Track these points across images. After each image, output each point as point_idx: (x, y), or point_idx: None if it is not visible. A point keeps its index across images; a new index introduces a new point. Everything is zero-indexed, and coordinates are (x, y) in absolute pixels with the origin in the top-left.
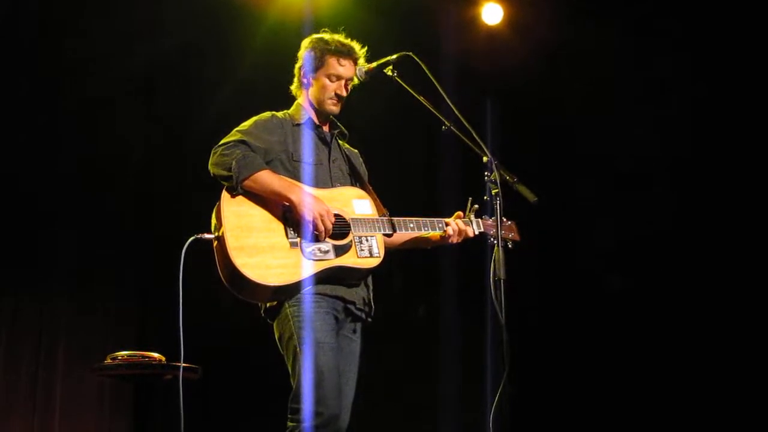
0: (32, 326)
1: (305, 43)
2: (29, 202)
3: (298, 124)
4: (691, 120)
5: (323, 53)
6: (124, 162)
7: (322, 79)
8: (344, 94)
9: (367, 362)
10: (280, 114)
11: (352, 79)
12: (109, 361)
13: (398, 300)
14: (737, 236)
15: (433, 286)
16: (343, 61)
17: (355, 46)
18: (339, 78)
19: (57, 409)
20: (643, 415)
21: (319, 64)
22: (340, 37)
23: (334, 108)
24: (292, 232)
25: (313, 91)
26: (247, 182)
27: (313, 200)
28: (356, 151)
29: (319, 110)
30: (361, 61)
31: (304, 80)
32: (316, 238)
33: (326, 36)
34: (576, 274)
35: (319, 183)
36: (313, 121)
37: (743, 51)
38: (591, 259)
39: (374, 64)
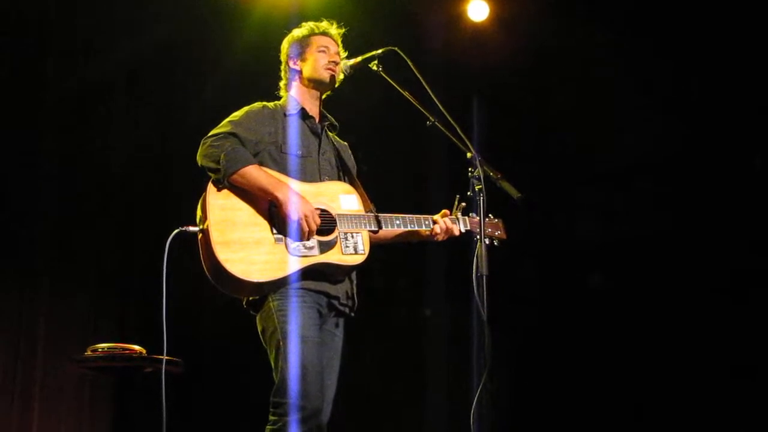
0: (11, 317)
1: (285, 41)
2: (8, 194)
3: (290, 114)
4: (678, 119)
5: (306, 36)
6: (106, 155)
7: (313, 54)
8: (337, 60)
9: (352, 360)
10: (271, 104)
11: (338, 55)
12: (90, 353)
13: (382, 298)
14: (724, 236)
15: (418, 283)
16: (326, 38)
17: (330, 24)
18: (327, 49)
19: (36, 401)
20: (633, 415)
21: (305, 45)
22: (313, 22)
23: (330, 74)
24: (277, 228)
25: (306, 69)
26: (234, 177)
27: (300, 200)
28: (345, 143)
29: (316, 83)
30: (342, 51)
31: (295, 67)
32: (301, 238)
33: (301, 25)
34: (559, 272)
35: (307, 176)
36: (304, 111)
37: (731, 49)
38: (574, 257)
39: (359, 59)
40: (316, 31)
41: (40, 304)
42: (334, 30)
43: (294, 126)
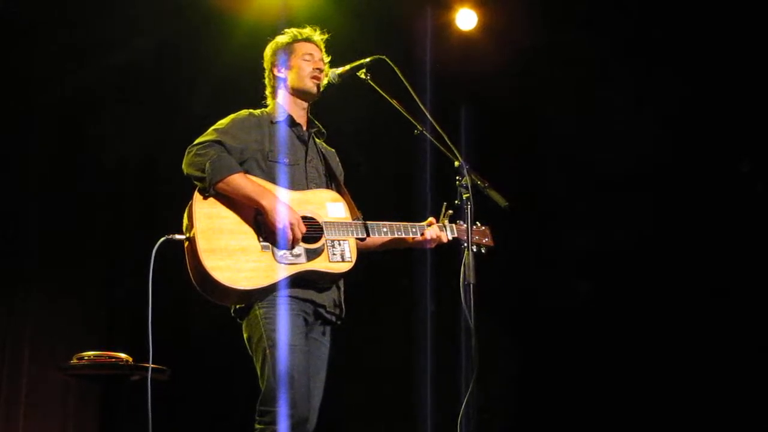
0: None
1: (268, 48)
2: None
3: (277, 122)
4: (666, 126)
5: (289, 43)
6: (96, 162)
7: (297, 62)
8: (322, 67)
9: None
10: (257, 112)
11: (323, 61)
12: (76, 361)
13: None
14: (714, 243)
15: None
16: (309, 45)
17: (313, 30)
18: (312, 56)
19: (21, 409)
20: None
21: (289, 53)
22: (296, 29)
23: (315, 83)
24: (263, 236)
25: (292, 77)
26: (220, 185)
27: (285, 208)
28: (333, 150)
29: (302, 93)
30: (325, 57)
31: (280, 75)
32: (286, 246)
33: (284, 32)
34: (549, 280)
35: (294, 184)
36: (291, 118)
37: (722, 56)
38: (564, 264)
39: (347, 67)
40: (299, 38)
41: (26, 312)
42: (318, 36)
43: (280, 134)
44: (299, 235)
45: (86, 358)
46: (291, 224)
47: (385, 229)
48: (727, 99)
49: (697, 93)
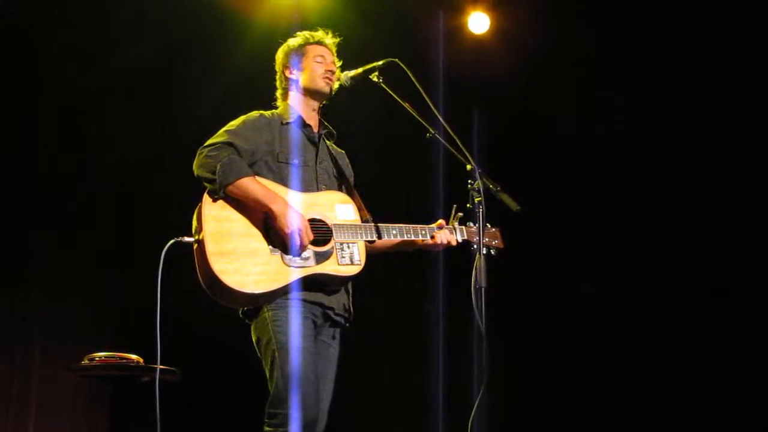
0: (7, 325)
1: (280, 51)
2: (4, 202)
3: (287, 123)
4: (676, 130)
5: (301, 45)
6: (105, 162)
7: (309, 64)
8: (333, 69)
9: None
10: (268, 113)
11: (334, 64)
12: (86, 361)
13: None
14: (715, 243)
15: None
16: (321, 47)
17: (325, 33)
18: (323, 59)
19: (32, 410)
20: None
21: (301, 55)
22: (308, 32)
23: (328, 84)
24: (272, 239)
25: (304, 78)
26: (230, 188)
27: (294, 214)
28: (343, 151)
29: (314, 93)
30: (336, 60)
31: (291, 77)
32: (293, 251)
33: (296, 35)
34: (560, 281)
35: (304, 185)
36: (302, 119)
37: (723, 56)
38: (579, 266)
39: (360, 70)
40: (311, 41)
41: (37, 313)
42: (329, 39)
43: (291, 135)
44: (306, 242)
45: (97, 359)
46: (299, 230)
47: (394, 232)
48: (727, 99)
49: (697, 93)
